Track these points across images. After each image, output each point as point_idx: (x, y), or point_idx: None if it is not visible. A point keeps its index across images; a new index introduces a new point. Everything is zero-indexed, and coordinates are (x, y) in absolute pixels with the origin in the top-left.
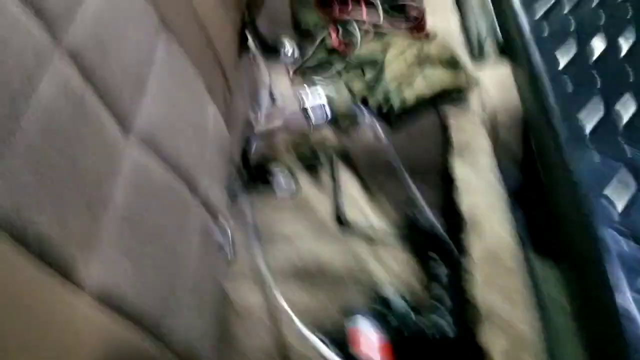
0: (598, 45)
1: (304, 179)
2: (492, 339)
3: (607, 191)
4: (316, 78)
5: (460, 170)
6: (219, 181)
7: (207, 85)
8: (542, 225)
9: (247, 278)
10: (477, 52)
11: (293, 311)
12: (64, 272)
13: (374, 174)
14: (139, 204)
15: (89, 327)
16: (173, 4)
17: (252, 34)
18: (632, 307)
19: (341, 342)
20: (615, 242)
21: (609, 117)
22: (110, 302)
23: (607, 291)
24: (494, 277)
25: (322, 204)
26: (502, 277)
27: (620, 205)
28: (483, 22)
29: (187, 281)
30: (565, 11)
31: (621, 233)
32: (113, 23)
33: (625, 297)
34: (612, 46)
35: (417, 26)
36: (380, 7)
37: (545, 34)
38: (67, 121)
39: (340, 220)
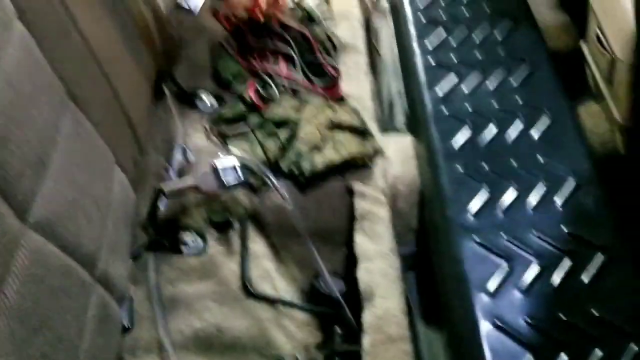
0: (489, 131)
1: (212, 239)
2: None
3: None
4: (231, 134)
5: (360, 238)
6: (119, 250)
7: (115, 154)
8: (431, 293)
9: (147, 349)
10: (387, 119)
11: None
12: None
13: (282, 238)
14: (31, 295)
15: None
16: (81, 72)
17: (169, 84)
18: None
19: None
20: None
21: (492, 202)
22: None
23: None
24: (379, 345)
25: (228, 268)
26: (386, 345)
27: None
28: (395, 89)
29: None
30: (464, 94)
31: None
32: (15, 105)
33: None
34: (501, 134)
35: (331, 87)
36: (298, 63)
37: (446, 113)
38: None
39: (246, 286)
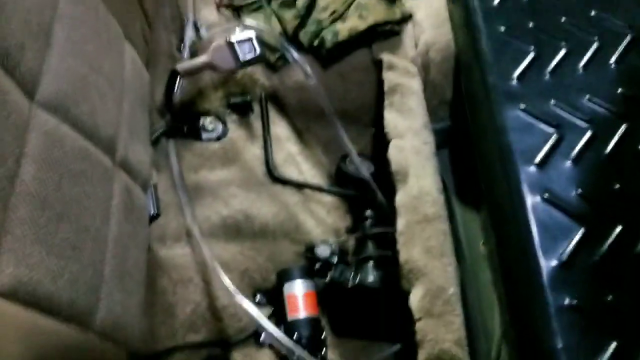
0: None
1: (232, 123)
2: (411, 287)
3: (529, 141)
4: (243, 6)
5: (390, 114)
6: (138, 134)
7: (122, 26)
8: (467, 172)
9: (176, 237)
10: None
11: (224, 269)
12: None
13: (305, 119)
14: (50, 181)
15: (5, 326)
16: None
17: None
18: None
19: (274, 299)
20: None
21: (538, 65)
22: (23, 296)
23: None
24: (415, 226)
25: (251, 153)
26: (422, 226)
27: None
28: None
29: (107, 256)
30: None
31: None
32: None
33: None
34: None
35: None
36: None
37: None
38: None
39: (271, 171)
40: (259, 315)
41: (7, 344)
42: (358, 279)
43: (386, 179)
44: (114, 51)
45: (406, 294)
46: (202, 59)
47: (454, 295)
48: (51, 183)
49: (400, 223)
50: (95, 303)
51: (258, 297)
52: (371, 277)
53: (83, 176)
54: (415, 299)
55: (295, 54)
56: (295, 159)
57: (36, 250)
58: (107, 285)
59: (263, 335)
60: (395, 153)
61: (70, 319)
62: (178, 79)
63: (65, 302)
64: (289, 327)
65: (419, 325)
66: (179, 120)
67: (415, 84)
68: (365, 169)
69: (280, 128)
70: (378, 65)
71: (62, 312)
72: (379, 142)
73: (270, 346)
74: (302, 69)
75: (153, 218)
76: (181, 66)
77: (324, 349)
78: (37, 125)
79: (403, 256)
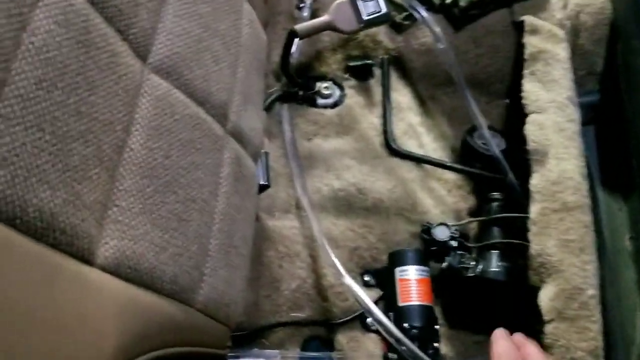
0: None
1: (350, 88)
2: (542, 284)
3: None
4: None
5: (530, 84)
6: (252, 99)
7: None
8: (616, 154)
9: (285, 209)
10: None
11: (332, 245)
12: (71, 249)
13: (429, 84)
14: (159, 150)
15: (102, 301)
16: None
17: None
18: None
19: (383, 282)
20: None
21: None
22: (125, 270)
23: None
24: (551, 215)
25: (369, 121)
26: (560, 215)
27: None
28: None
29: (214, 229)
30: None
31: None
32: None
33: None
34: None
35: None
36: None
37: None
38: (69, 57)
39: (389, 143)
40: (367, 300)
41: (106, 319)
42: (480, 268)
43: (520, 158)
44: (232, 11)
45: (534, 291)
46: (322, 18)
47: (593, 298)
48: (160, 152)
49: (534, 210)
50: (199, 279)
51: (367, 277)
52: (495, 268)
53: (192, 145)
54: (546, 298)
55: (424, 13)
56: (416, 131)
57: (141, 223)
58: (212, 260)
59: (370, 318)
60: (534, 129)
61: (172, 294)
62: (296, 40)
63: (168, 277)
64: (399, 314)
65: (548, 328)
66: (295, 85)
67: (561, 51)
68: (495, 145)
69: (401, 95)
70: (518, 28)
71: (164, 288)
72: (514, 116)
73: (378, 331)
74: (430, 30)
75: (262, 188)
76: (300, 27)
77: (436, 341)
78: (148, 90)
79: (535, 248)
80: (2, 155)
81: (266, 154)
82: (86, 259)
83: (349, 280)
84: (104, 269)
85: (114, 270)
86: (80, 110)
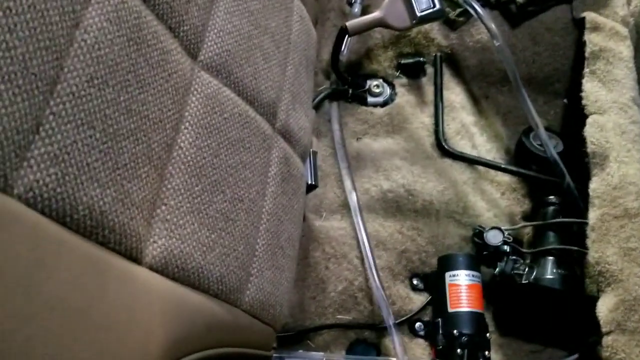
0: None
1: (401, 87)
2: (600, 294)
3: None
4: None
5: (590, 84)
6: (301, 98)
7: None
8: None
9: (332, 210)
10: None
11: (380, 247)
12: (120, 247)
13: (483, 83)
14: (208, 148)
15: (149, 300)
16: None
17: None
18: None
19: (432, 286)
20: None
21: None
22: (172, 269)
23: None
24: (611, 221)
25: (420, 121)
26: (621, 222)
27: None
28: None
29: (261, 229)
30: None
31: None
32: None
33: None
34: None
35: None
36: None
37: None
38: (120, 55)
39: (440, 143)
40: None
41: (153, 318)
42: (534, 275)
43: (578, 161)
44: (282, 8)
45: (592, 300)
46: (373, 15)
47: None
48: (209, 151)
49: (594, 215)
50: (245, 279)
51: (415, 281)
52: (550, 275)
53: (241, 144)
54: (605, 308)
55: (479, 9)
56: (469, 131)
57: (189, 222)
58: (259, 260)
59: (418, 324)
60: (594, 131)
61: (219, 295)
62: (346, 37)
63: (215, 277)
64: (448, 320)
65: (607, 340)
66: (344, 83)
67: (624, 49)
68: (552, 147)
69: (454, 94)
70: (579, 25)
71: (211, 288)
72: (573, 117)
73: (426, 336)
74: (486, 27)
75: (310, 188)
76: (350, 23)
77: (487, 350)
78: (198, 87)
79: (594, 255)
80: (54, 153)
81: (314, 153)
82: (134, 258)
83: (379, 292)
84: (151, 267)
85: (161, 270)
86: (130, 108)
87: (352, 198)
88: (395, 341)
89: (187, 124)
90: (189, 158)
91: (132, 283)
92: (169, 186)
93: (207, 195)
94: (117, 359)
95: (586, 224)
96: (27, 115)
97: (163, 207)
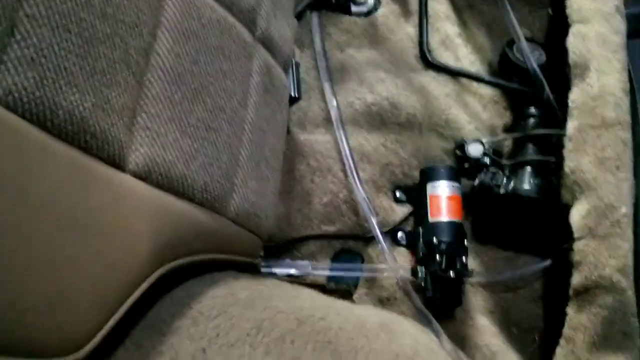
0: None
1: None
2: (574, 202)
3: None
4: None
5: None
6: (282, 5)
7: None
8: None
9: (316, 123)
10: None
11: (364, 160)
12: (102, 153)
13: None
14: (186, 55)
15: (134, 206)
16: None
17: None
18: None
19: (415, 198)
20: None
21: None
22: (157, 177)
23: None
24: (588, 131)
25: (404, 32)
26: (598, 131)
27: None
28: None
29: (244, 140)
30: None
31: None
32: None
33: None
34: None
35: None
36: None
37: None
38: None
39: (425, 55)
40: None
41: (139, 223)
42: (512, 185)
43: (560, 72)
44: None
45: (566, 208)
46: None
47: (626, 217)
48: (187, 58)
49: (571, 126)
50: (230, 189)
51: (398, 193)
52: (527, 185)
53: (220, 51)
54: (578, 215)
55: None
56: (453, 42)
57: (170, 130)
58: (243, 170)
59: (400, 233)
60: (576, 41)
61: (204, 203)
62: None
63: (199, 186)
64: (429, 229)
65: (578, 245)
66: None
67: None
68: (534, 58)
69: (439, 3)
70: None
71: (196, 196)
72: (557, 28)
73: (408, 245)
74: None
75: (293, 100)
76: None
77: (464, 257)
78: None
79: (570, 164)
80: (30, 56)
81: (297, 64)
82: (117, 165)
83: (362, 198)
84: (135, 174)
85: (145, 177)
86: (105, 11)
87: (334, 111)
88: (383, 248)
89: (164, 29)
90: (167, 65)
91: (117, 189)
92: (149, 94)
93: (188, 103)
94: (107, 260)
95: (564, 134)
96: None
97: (143, 115)
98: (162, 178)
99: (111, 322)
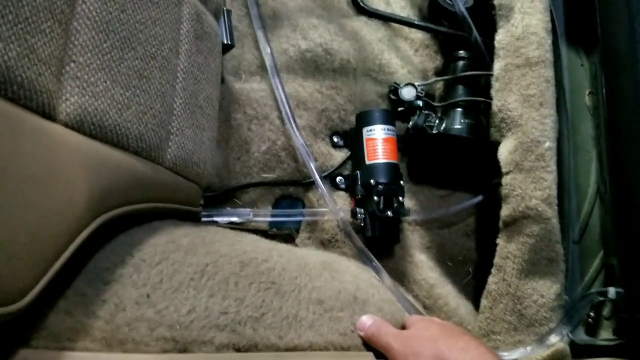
0: None
1: None
2: (502, 139)
3: None
4: None
5: None
6: None
7: None
8: (581, 9)
9: (251, 71)
10: None
11: (301, 107)
12: (31, 104)
13: None
14: (113, 2)
15: (67, 156)
16: None
17: None
18: None
19: (352, 142)
20: None
21: None
22: (89, 127)
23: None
24: (514, 71)
25: None
26: (523, 70)
27: None
28: None
29: (177, 88)
30: None
31: None
32: None
33: None
34: None
35: None
36: None
37: None
38: None
39: (356, 2)
40: (313, 171)
41: (74, 172)
42: (444, 125)
43: (486, 14)
44: None
45: (495, 145)
46: None
47: (549, 150)
48: (114, 5)
49: (498, 66)
50: (166, 138)
51: (335, 139)
52: (458, 125)
53: None
54: (505, 150)
55: None
56: None
57: (101, 79)
58: (178, 119)
59: (338, 178)
60: None
61: (139, 152)
62: None
63: (134, 134)
64: (366, 172)
65: (506, 179)
66: None
67: None
68: (461, 2)
69: None
70: None
71: (130, 145)
72: None
73: (347, 189)
74: None
75: (227, 48)
76: None
77: (401, 196)
78: None
79: (496, 103)
80: None
81: (228, 11)
82: (48, 115)
83: (301, 145)
84: (67, 125)
85: (77, 127)
86: None
87: (268, 59)
88: (323, 192)
89: None
90: (94, 13)
91: (48, 138)
92: (76, 42)
93: (117, 52)
94: (42, 209)
95: (492, 75)
96: None
97: (72, 64)
98: (94, 127)
99: (51, 272)
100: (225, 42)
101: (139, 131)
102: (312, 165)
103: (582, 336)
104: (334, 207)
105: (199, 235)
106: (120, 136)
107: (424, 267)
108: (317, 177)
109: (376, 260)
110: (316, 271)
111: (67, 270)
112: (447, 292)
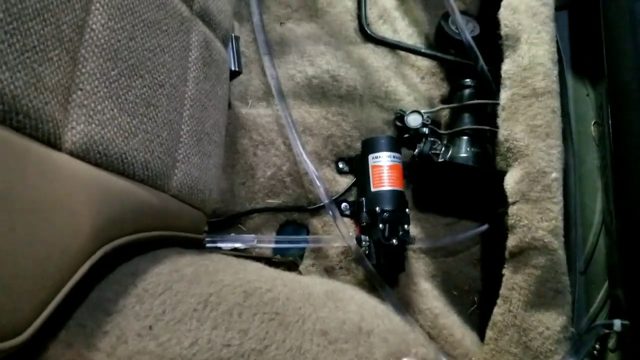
0: None
1: None
2: (508, 169)
3: None
4: None
5: None
6: None
7: None
8: (588, 40)
9: (258, 96)
10: None
11: (307, 133)
12: (37, 133)
13: None
14: (122, 31)
15: (73, 185)
16: None
17: None
18: None
19: (357, 169)
20: None
21: None
22: (95, 155)
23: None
24: (520, 100)
25: (343, 5)
26: (529, 101)
27: None
28: None
29: (184, 115)
30: None
31: None
32: None
33: None
34: None
35: None
36: None
37: None
38: None
39: (363, 28)
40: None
41: (79, 202)
42: (449, 154)
43: (493, 44)
44: None
45: (501, 174)
46: None
47: (556, 181)
48: (123, 33)
49: (504, 96)
50: (172, 165)
51: (341, 165)
52: (464, 153)
53: (157, 26)
54: (512, 180)
55: None
56: (391, 15)
57: (108, 107)
58: (184, 146)
59: (344, 204)
60: (507, 14)
61: (145, 180)
62: None
63: (139, 163)
64: (371, 199)
65: (512, 209)
66: None
67: None
68: (468, 31)
69: None
70: None
71: (136, 174)
72: (489, 0)
73: (352, 215)
74: None
75: (234, 74)
76: None
77: (406, 224)
78: None
79: (503, 133)
80: None
81: (236, 38)
82: (53, 144)
83: (311, 171)
84: (72, 154)
85: (83, 156)
86: None
87: (274, 84)
88: (334, 217)
89: (98, 4)
90: (102, 40)
91: (53, 168)
92: (84, 70)
93: (125, 80)
94: (46, 243)
95: (498, 104)
96: None
97: (79, 92)
98: (100, 156)
99: (53, 304)
100: (233, 68)
101: (145, 159)
102: (322, 191)
103: None
104: (346, 232)
105: (203, 264)
106: (126, 164)
107: (429, 296)
108: (327, 202)
109: (388, 287)
110: (320, 301)
111: (69, 300)
112: (452, 323)
